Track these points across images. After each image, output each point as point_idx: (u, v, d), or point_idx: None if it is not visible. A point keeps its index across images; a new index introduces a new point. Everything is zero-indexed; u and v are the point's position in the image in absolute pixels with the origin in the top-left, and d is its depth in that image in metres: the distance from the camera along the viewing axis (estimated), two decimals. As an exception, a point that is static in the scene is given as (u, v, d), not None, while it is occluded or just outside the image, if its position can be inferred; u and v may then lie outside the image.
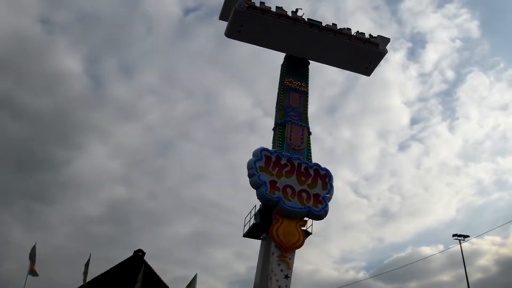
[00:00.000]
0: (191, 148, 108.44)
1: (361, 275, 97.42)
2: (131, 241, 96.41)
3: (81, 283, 24.83)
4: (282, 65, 27.96)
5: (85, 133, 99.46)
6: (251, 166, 22.35)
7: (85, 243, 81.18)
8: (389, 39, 29.65)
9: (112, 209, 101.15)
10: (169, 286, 32.85)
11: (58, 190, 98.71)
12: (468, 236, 40.82)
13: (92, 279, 28.60)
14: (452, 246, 51.12)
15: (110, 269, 31.93)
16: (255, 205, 24.12)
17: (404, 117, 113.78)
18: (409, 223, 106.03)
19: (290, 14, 27.35)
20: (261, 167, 22.36)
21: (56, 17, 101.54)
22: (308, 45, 27.63)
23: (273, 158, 22.96)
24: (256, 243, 25.67)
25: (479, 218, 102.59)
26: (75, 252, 78.92)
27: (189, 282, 25.08)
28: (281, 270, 20.63)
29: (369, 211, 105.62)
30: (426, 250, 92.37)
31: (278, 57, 28.48)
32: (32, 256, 22.20)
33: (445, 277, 78.51)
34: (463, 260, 39.70)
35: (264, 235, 24.81)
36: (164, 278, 33.55)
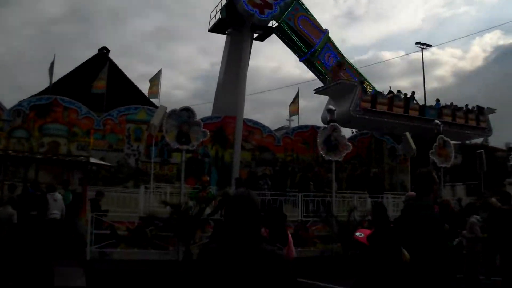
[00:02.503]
0: None
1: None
2: (95, 40, 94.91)
3: (47, 84, 25.16)
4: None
5: None
6: None
7: (48, 45, 79.77)
8: (495, 110, 28.25)
9: (74, 7, 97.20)
10: (134, 83, 33.67)
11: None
12: (430, 46, 41.47)
13: (58, 79, 28.98)
14: (413, 52, 51.97)
15: (76, 68, 32.15)
16: (221, -1, 23.73)
17: None
18: (373, 27, 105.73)
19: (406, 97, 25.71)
20: None
21: None
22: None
23: None
24: (221, 39, 25.86)
25: (443, 30, 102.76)
26: (39, 55, 77.81)
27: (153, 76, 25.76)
28: None
29: (334, 11, 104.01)
30: (388, 55, 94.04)
31: None
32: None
33: (403, 82, 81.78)
34: (423, 67, 41.25)
35: (229, 30, 24.83)
36: (129, 75, 34.23)
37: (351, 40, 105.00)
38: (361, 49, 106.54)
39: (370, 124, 25.44)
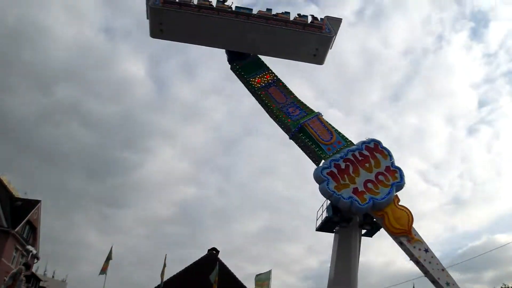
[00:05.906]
0: (257, 142, 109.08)
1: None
2: (203, 240, 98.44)
3: (158, 282, 25.47)
4: (233, 69, 25.48)
5: (152, 136, 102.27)
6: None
7: (158, 244, 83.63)
8: (341, 19, 25.17)
9: (183, 209, 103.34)
10: (243, 283, 33.20)
11: (130, 194, 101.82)
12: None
13: (168, 279, 29.30)
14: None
15: (186, 268, 32.61)
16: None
17: (471, 100, 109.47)
18: (482, 210, 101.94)
19: (214, 4, 24.08)
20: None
21: (117, 24, 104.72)
22: (240, 37, 24.55)
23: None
24: (329, 237, 25.41)
25: None
26: (149, 252, 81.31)
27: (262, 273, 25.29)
28: (419, 249, 20.49)
29: (441, 199, 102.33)
30: (502, 238, 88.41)
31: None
32: (109, 257, 23.00)
33: (525, 264, 74.38)
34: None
35: (337, 228, 24.39)
36: (238, 275, 33.96)
37: (462, 226, 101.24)
38: (473, 235, 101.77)
39: (180, 22, 23.77)
